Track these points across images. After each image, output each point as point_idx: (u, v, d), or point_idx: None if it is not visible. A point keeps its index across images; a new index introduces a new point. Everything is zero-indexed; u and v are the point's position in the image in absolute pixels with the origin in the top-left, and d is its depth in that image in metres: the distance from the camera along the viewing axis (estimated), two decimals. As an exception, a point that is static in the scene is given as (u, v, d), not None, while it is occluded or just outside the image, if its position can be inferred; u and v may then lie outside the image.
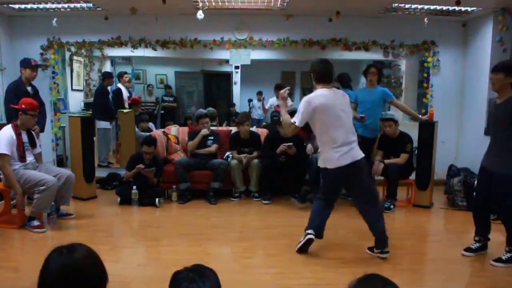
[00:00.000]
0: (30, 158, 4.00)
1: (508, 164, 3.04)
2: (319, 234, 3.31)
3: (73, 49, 5.92)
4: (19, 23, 5.67)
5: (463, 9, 5.11)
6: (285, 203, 4.92)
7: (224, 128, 6.07)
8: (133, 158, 4.89)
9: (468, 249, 3.38)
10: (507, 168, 3.04)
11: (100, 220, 4.31)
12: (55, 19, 5.24)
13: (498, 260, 3.15)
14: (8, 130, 3.85)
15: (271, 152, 4.89)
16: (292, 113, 3.36)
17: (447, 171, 5.51)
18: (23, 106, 3.88)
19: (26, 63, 4.49)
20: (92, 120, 5.31)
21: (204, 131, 5.14)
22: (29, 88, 4.53)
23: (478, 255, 3.35)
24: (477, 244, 3.37)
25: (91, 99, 6.68)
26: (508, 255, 3.14)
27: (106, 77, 6.19)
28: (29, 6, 5.20)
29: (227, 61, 6.23)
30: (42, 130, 4.61)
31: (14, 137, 3.83)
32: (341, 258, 3.25)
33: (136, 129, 5.84)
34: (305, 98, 3.23)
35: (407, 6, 5.11)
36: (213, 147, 5.16)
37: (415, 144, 4.84)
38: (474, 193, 4.49)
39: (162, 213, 4.63)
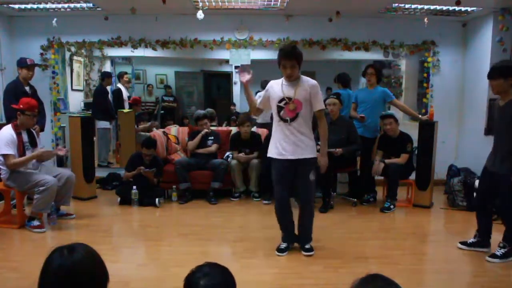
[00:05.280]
0: (30, 158, 3.99)
1: (504, 163, 3.10)
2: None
3: (73, 49, 5.92)
4: (19, 23, 5.66)
5: (463, 9, 5.11)
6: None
7: (224, 128, 6.08)
8: (133, 158, 4.89)
9: (463, 242, 3.50)
10: (503, 167, 3.11)
11: (100, 220, 4.32)
12: (55, 19, 5.23)
13: (493, 256, 3.22)
14: (8, 130, 3.85)
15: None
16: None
17: (447, 171, 5.51)
18: (21, 106, 3.88)
19: (22, 63, 4.49)
20: (92, 120, 5.31)
21: (205, 131, 5.18)
22: (27, 88, 4.53)
23: (476, 252, 3.39)
24: (473, 240, 3.47)
25: (91, 99, 6.68)
26: (503, 250, 3.20)
27: (105, 77, 6.18)
28: (29, 6, 5.20)
29: (227, 61, 6.22)
30: (42, 129, 4.61)
31: (15, 136, 3.83)
32: (341, 258, 3.26)
33: (137, 129, 5.84)
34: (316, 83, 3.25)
35: (407, 6, 5.10)
36: (213, 147, 5.16)
37: (415, 144, 4.84)
38: (475, 193, 4.54)
39: (162, 213, 4.63)
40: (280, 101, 3.18)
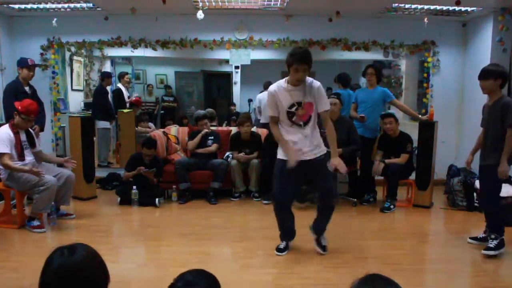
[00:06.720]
0: (29, 157, 3.97)
1: (490, 156, 3.33)
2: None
3: (73, 49, 5.92)
4: (19, 23, 5.66)
5: (463, 9, 5.11)
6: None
7: (224, 128, 6.08)
8: (133, 158, 4.89)
9: (473, 238, 3.59)
10: (489, 159, 3.33)
11: (100, 220, 4.31)
12: (55, 19, 5.24)
13: (488, 248, 3.27)
14: (5, 129, 3.85)
15: (271, 152, 4.88)
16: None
17: (447, 171, 5.51)
18: (19, 107, 3.85)
19: (22, 63, 4.47)
20: (92, 120, 5.31)
21: (205, 131, 5.19)
22: (26, 88, 4.52)
23: (476, 252, 3.39)
24: (483, 235, 3.54)
25: (91, 99, 6.69)
26: (496, 241, 3.27)
27: (105, 77, 6.18)
28: (29, 6, 5.20)
29: (227, 61, 6.23)
30: (41, 129, 4.60)
31: (12, 135, 3.82)
32: (341, 258, 3.26)
33: (137, 129, 5.84)
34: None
35: (407, 6, 5.11)
36: (213, 147, 5.17)
37: (415, 144, 4.84)
38: (475, 193, 4.54)
39: (162, 213, 4.63)
40: (290, 107, 3.08)
